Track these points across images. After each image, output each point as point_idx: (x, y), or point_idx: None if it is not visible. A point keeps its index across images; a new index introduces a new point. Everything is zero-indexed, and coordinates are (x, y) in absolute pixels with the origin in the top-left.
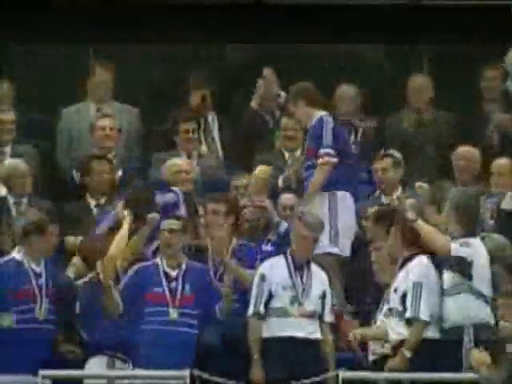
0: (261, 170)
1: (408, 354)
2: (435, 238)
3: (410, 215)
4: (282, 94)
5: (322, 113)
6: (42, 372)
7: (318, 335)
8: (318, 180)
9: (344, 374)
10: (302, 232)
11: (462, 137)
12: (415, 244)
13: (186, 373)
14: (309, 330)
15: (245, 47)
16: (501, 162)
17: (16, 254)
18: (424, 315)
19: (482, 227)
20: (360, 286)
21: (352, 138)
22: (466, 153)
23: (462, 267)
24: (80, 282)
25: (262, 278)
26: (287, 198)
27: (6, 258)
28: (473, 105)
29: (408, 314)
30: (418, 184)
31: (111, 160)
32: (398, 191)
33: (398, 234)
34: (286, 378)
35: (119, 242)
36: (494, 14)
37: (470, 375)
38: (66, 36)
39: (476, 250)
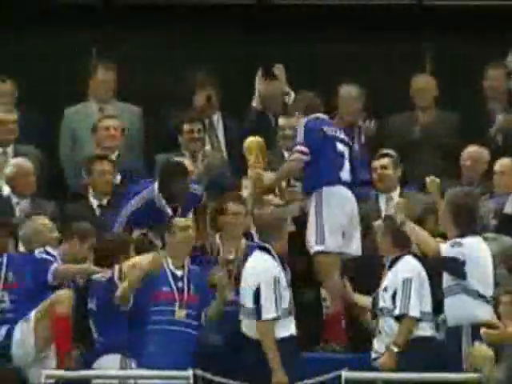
0: (248, 141)
1: (395, 350)
2: (424, 241)
3: (399, 217)
4: (292, 92)
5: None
6: (44, 372)
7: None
8: (281, 173)
9: (347, 374)
10: (290, 228)
11: (466, 136)
12: (406, 245)
13: (190, 373)
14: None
15: (246, 47)
16: (503, 161)
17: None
18: (414, 312)
19: (485, 227)
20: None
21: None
22: (473, 153)
23: (455, 268)
24: (97, 277)
25: (278, 280)
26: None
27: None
28: (476, 104)
29: (397, 311)
30: (430, 178)
31: (113, 160)
32: (397, 190)
33: (387, 234)
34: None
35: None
36: (496, 14)
37: (470, 375)
38: (68, 36)
39: (470, 250)
